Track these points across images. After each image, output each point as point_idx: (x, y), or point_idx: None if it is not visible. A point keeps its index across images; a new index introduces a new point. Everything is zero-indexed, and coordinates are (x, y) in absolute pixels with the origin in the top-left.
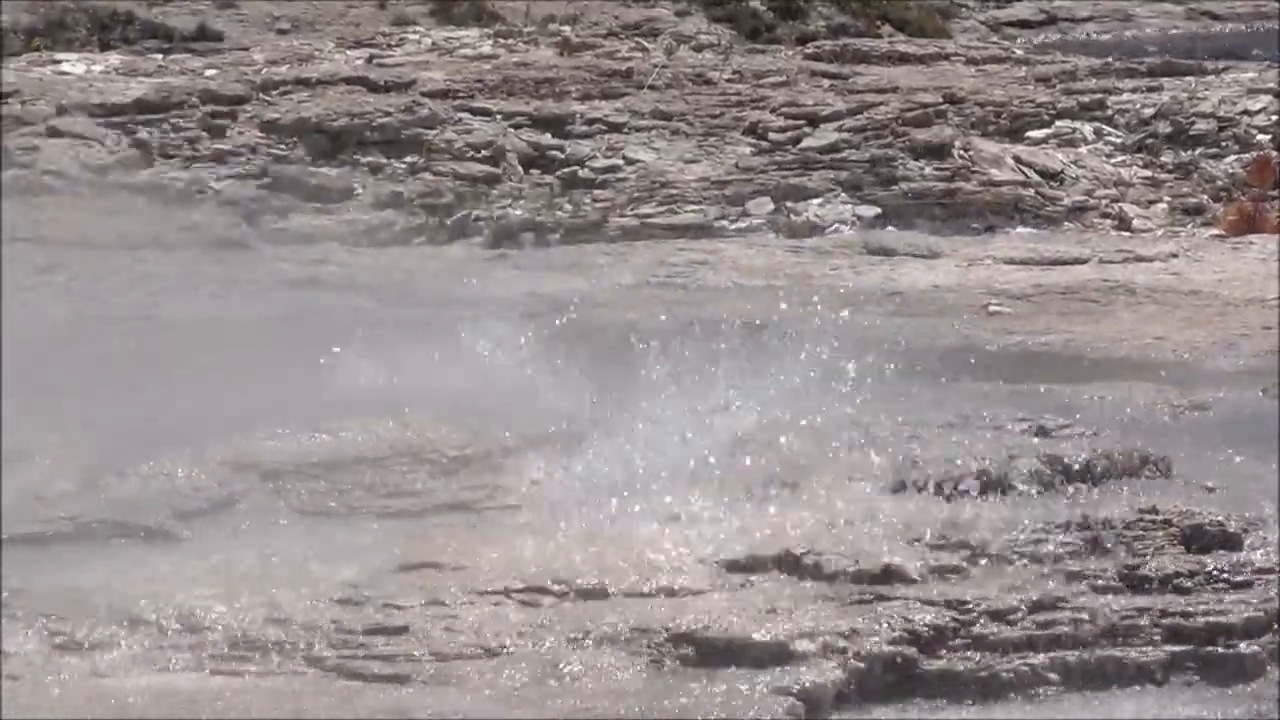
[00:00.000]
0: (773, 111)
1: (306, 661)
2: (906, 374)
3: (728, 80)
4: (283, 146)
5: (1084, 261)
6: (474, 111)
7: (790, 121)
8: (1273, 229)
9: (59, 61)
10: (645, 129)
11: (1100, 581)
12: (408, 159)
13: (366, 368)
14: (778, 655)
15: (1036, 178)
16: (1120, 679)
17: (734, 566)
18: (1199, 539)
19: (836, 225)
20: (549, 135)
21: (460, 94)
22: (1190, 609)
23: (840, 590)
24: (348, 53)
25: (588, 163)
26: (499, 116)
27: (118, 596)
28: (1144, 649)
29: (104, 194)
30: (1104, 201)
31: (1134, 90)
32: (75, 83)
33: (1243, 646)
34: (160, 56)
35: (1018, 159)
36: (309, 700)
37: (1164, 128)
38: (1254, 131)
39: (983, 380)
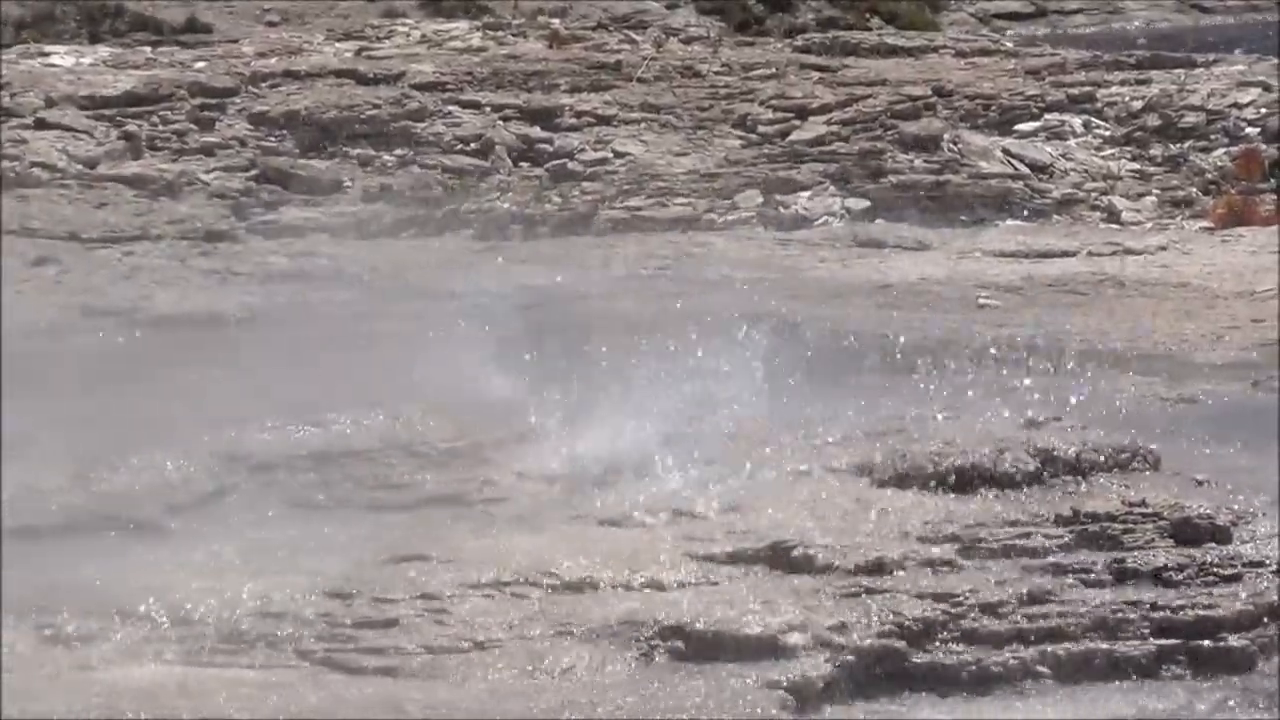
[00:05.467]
0: (762, 104)
1: (296, 654)
2: (896, 366)
3: (716, 73)
4: (272, 139)
5: (1073, 254)
6: (463, 104)
7: (779, 114)
8: (1261, 222)
9: (48, 54)
10: (634, 122)
11: (1089, 575)
12: (397, 152)
13: (356, 360)
14: (768, 648)
15: (1026, 170)
16: (1109, 672)
17: (724, 559)
18: (1188, 532)
19: (825, 218)
20: (538, 128)
21: (449, 87)
22: (1179, 602)
23: (830, 583)
24: (337, 45)
25: (577, 155)
26: (488, 109)
27: (108, 589)
28: (1133, 642)
29: (93, 187)
30: (1093, 194)
31: (1123, 83)
32: (64, 75)
33: (1232, 640)
34: (149, 49)
35: (1007, 152)
36: (299, 693)
37: (1153, 121)
38: (1243, 124)
39: (972, 372)
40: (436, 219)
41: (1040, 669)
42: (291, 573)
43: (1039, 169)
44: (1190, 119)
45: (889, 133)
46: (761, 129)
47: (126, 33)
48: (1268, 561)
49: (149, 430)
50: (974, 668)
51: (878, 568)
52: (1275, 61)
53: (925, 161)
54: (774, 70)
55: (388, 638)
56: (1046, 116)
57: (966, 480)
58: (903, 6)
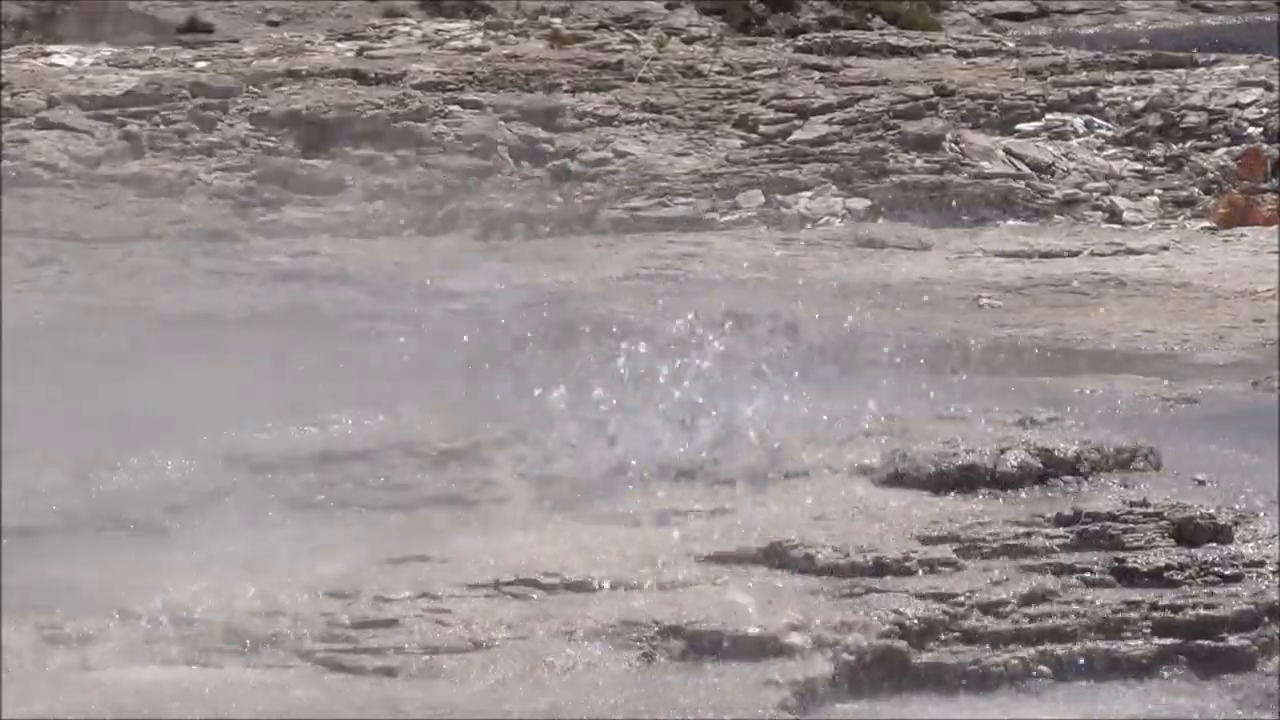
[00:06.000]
0: (763, 104)
1: (296, 655)
2: (896, 366)
3: (718, 73)
4: (273, 139)
5: (1074, 254)
6: (464, 104)
7: (780, 114)
8: (1263, 221)
9: (49, 54)
10: (635, 122)
11: (1090, 575)
12: (398, 151)
13: (356, 360)
14: (768, 648)
15: (1027, 170)
16: (1109, 672)
17: (724, 559)
18: (1189, 532)
19: (827, 218)
20: (539, 128)
21: (451, 86)
22: (1180, 602)
23: (831, 583)
24: (338, 45)
25: (578, 155)
26: (489, 109)
27: (108, 589)
28: (1133, 642)
29: (94, 186)
30: (1094, 194)
31: (1124, 83)
32: (66, 75)
33: (1232, 640)
34: (151, 49)
35: (1008, 151)
36: (298, 693)
37: (1154, 120)
38: (1245, 124)
39: (973, 373)
40: (438, 219)
41: (1040, 669)
42: (291, 573)
43: (1041, 169)
44: (1192, 119)
45: (890, 133)
46: (763, 129)
47: (128, 32)
48: (1268, 561)
49: (149, 430)
50: (974, 668)
51: (878, 568)
52: (1276, 61)
53: (927, 161)
54: (775, 70)
55: (387, 638)
56: (1048, 116)
57: (966, 480)
58: (904, 6)
